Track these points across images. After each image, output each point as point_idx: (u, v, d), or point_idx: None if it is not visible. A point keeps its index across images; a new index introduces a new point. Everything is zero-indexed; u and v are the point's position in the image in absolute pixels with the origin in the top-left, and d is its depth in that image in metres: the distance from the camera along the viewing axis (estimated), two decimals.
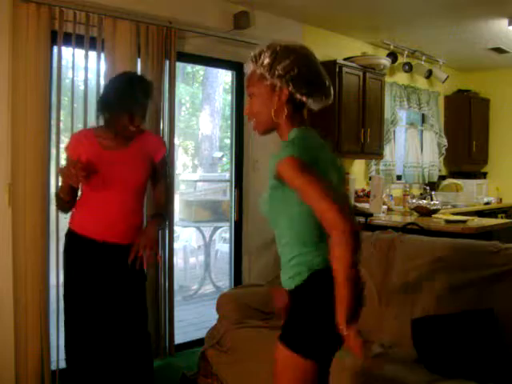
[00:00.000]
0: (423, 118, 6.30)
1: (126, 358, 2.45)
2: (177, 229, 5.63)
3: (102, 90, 2.49)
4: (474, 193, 6.37)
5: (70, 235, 2.46)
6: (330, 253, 1.48)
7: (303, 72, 1.60)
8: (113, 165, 2.38)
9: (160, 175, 2.58)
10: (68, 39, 3.09)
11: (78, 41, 3.13)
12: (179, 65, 4.13)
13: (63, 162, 3.42)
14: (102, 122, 2.45)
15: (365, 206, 4.76)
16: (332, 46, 4.87)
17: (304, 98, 1.62)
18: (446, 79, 6.01)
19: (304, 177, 1.49)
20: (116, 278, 2.41)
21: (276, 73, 1.59)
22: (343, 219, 1.42)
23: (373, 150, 5.01)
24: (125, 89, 2.36)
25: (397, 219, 4.57)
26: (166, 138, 3.46)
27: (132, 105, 2.33)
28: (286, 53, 1.61)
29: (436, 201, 5.38)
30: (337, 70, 4.53)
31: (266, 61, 1.60)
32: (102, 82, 3.22)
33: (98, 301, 2.40)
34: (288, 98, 1.62)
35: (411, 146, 6.05)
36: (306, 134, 1.64)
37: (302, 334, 1.59)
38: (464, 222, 4.16)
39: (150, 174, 2.53)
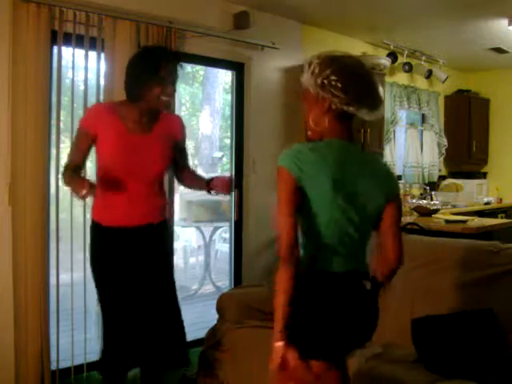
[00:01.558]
0: (423, 118, 6.29)
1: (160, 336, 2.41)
2: (177, 229, 5.61)
3: (126, 69, 2.32)
4: (474, 193, 6.38)
5: (95, 227, 2.39)
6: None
7: (344, 82, 1.60)
8: (136, 153, 2.26)
9: (183, 158, 2.50)
10: (68, 39, 3.09)
11: (78, 41, 3.13)
12: None
13: (63, 162, 3.44)
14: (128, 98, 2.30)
15: None
16: (332, 46, 4.72)
17: (346, 108, 1.62)
18: (445, 79, 6.00)
19: (278, 189, 1.58)
20: (144, 259, 2.37)
21: (318, 83, 1.61)
22: (281, 248, 1.53)
23: (373, 150, 4.99)
24: (153, 56, 2.25)
25: None
26: None
27: (163, 71, 2.20)
28: (329, 62, 1.62)
29: (436, 201, 5.38)
30: None
31: (310, 71, 1.63)
32: (102, 82, 3.23)
33: (131, 285, 2.35)
34: (329, 109, 1.63)
35: (411, 146, 6.05)
36: (318, 147, 1.64)
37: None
38: (464, 222, 4.16)
39: (175, 156, 2.44)
